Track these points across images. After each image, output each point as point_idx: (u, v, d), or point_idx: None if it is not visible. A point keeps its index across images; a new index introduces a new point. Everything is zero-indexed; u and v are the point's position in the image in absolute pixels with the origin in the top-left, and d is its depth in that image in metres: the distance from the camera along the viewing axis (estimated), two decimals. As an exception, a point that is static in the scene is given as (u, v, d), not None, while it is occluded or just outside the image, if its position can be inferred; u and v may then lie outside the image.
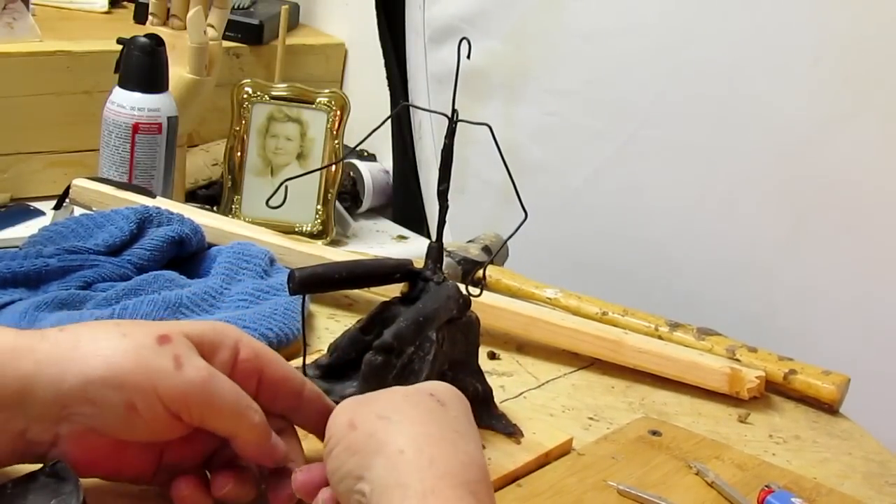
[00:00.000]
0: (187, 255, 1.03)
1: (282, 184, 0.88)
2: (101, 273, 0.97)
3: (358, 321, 0.86)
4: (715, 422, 1.00)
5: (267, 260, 1.03)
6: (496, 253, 1.12)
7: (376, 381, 0.78)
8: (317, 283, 0.81)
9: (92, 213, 1.06)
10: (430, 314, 0.80)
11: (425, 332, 0.80)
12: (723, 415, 1.02)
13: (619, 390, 1.02)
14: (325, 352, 0.88)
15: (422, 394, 0.68)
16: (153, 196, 1.12)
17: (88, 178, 1.12)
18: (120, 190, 1.11)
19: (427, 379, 0.81)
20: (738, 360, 1.07)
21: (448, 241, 1.12)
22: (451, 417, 0.66)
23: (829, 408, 1.06)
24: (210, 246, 1.05)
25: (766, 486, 0.90)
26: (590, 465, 0.86)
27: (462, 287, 0.85)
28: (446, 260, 1.15)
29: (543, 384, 1.01)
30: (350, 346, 0.85)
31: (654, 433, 0.95)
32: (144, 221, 1.02)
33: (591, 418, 0.97)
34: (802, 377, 1.07)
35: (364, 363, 0.78)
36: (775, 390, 1.07)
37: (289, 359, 0.93)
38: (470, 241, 1.23)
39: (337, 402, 0.84)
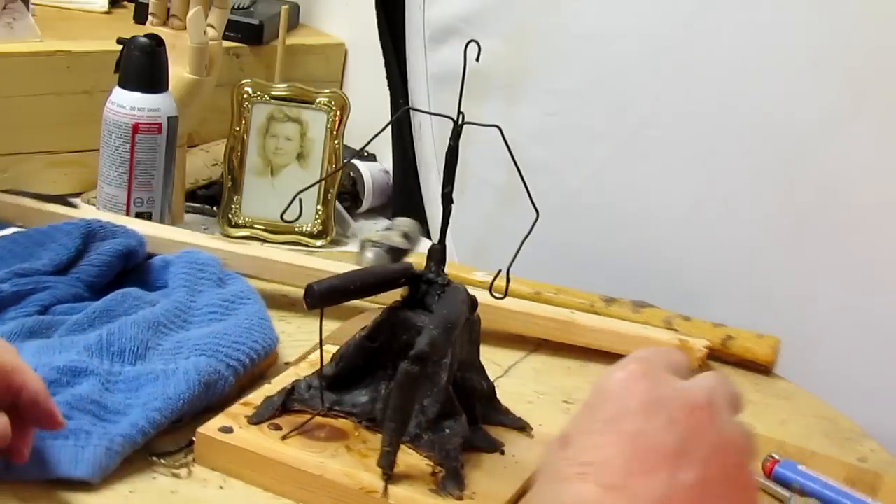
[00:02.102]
0: (132, 268, 1.02)
1: (295, 196, 0.87)
2: (56, 295, 0.95)
3: (363, 329, 0.85)
4: None
5: (219, 267, 1.02)
6: (430, 246, 1.13)
7: (412, 390, 0.78)
8: (335, 296, 0.81)
9: (28, 230, 1.03)
10: (455, 319, 0.81)
11: (453, 337, 0.80)
12: None
13: (577, 370, 1.03)
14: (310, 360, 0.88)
15: (553, 443, 0.61)
16: (75, 206, 1.10)
17: (6, 192, 1.10)
18: (41, 203, 1.09)
19: (447, 383, 0.81)
20: (675, 329, 1.10)
21: (370, 232, 1.14)
22: (566, 460, 0.59)
23: (765, 369, 1.13)
24: (149, 256, 1.03)
25: (771, 457, 0.92)
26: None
27: (474, 290, 0.85)
28: (375, 250, 1.17)
29: (507, 370, 1.02)
30: (357, 355, 0.85)
31: None
32: (88, 236, 0.99)
33: (565, 402, 0.97)
34: (739, 342, 1.13)
35: (400, 373, 0.77)
36: (712, 357, 1.11)
37: (268, 368, 0.94)
38: (387, 230, 1.24)
39: (349, 413, 0.84)
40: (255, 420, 0.84)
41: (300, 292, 1.06)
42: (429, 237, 1.63)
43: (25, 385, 0.74)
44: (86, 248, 0.99)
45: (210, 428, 0.83)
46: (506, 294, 0.83)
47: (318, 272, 1.08)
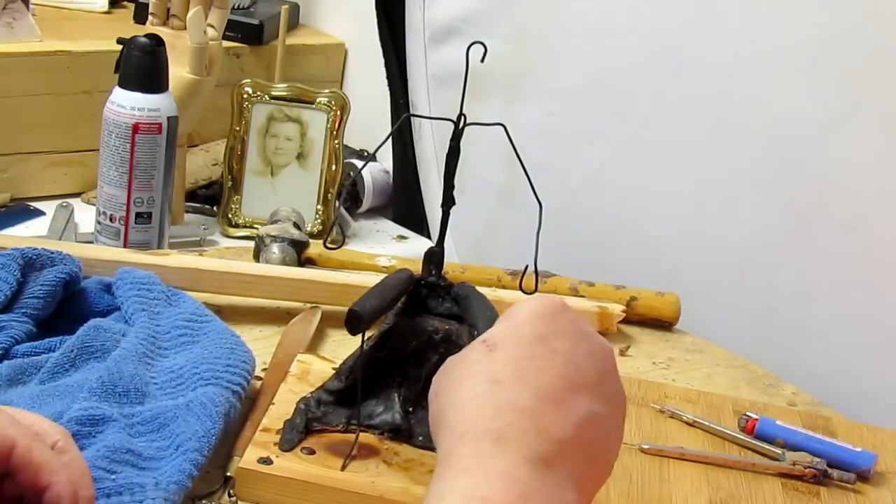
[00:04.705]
0: (69, 294, 0.97)
1: (332, 224, 0.86)
2: (13, 335, 0.91)
3: (368, 338, 0.85)
4: None
5: (161, 283, 0.99)
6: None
7: None
8: (376, 317, 0.81)
9: None
10: (497, 315, 0.82)
11: None
12: None
13: None
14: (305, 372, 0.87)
15: (476, 345, 0.67)
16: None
17: None
18: None
19: None
20: (582, 295, 1.15)
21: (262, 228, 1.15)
22: (497, 362, 0.64)
23: (669, 325, 1.17)
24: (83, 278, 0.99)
25: (746, 416, 0.94)
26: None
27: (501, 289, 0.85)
28: (279, 245, 1.18)
29: None
30: (366, 366, 0.84)
31: None
32: (25, 267, 0.94)
33: None
34: (643, 302, 1.17)
35: None
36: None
37: (258, 388, 0.92)
38: (274, 223, 1.25)
39: (371, 426, 0.84)
40: (287, 447, 0.81)
41: (231, 300, 1.07)
42: (429, 237, 1.63)
43: (52, 487, 0.64)
44: (24, 278, 0.94)
45: (249, 461, 0.80)
46: (535, 289, 0.83)
47: (251, 277, 1.07)
